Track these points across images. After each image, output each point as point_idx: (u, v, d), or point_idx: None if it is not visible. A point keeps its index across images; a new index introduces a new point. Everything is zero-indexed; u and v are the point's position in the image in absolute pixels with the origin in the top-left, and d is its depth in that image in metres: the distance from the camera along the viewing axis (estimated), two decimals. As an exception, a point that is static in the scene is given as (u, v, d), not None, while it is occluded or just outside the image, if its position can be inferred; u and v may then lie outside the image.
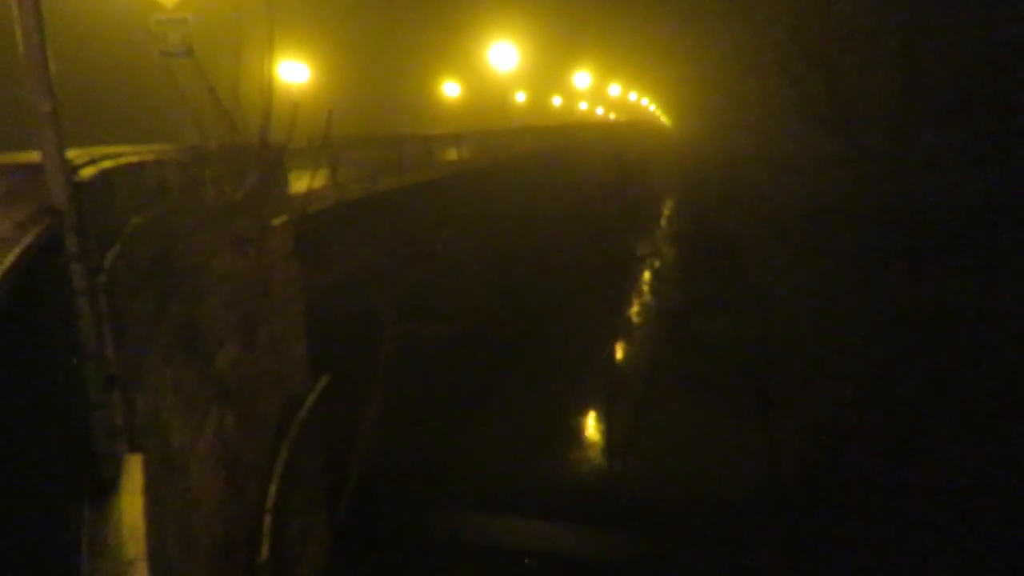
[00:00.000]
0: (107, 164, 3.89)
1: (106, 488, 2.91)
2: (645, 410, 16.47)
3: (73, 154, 3.78)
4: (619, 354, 20.78)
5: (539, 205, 24.18)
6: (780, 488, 13.21)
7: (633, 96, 79.65)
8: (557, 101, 59.88)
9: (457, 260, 16.55)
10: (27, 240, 2.03)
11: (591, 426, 18.88)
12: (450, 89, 43.31)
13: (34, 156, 3.48)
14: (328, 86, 30.08)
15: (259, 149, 8.04)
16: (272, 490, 8.77)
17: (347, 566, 10.23)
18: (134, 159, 5.64)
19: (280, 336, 9.88)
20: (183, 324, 6.80)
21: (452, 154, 23.30)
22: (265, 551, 7.75)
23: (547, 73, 54.09)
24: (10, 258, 1.77)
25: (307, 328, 10.38)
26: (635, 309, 23.76)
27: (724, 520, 13.00)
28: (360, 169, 14.62)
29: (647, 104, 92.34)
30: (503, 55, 32.06)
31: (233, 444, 7.79)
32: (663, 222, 27.30)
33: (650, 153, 31.00)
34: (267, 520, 8.32)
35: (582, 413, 19.42)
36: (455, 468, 14.80)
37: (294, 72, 26.74)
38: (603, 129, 52.72)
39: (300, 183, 11.21)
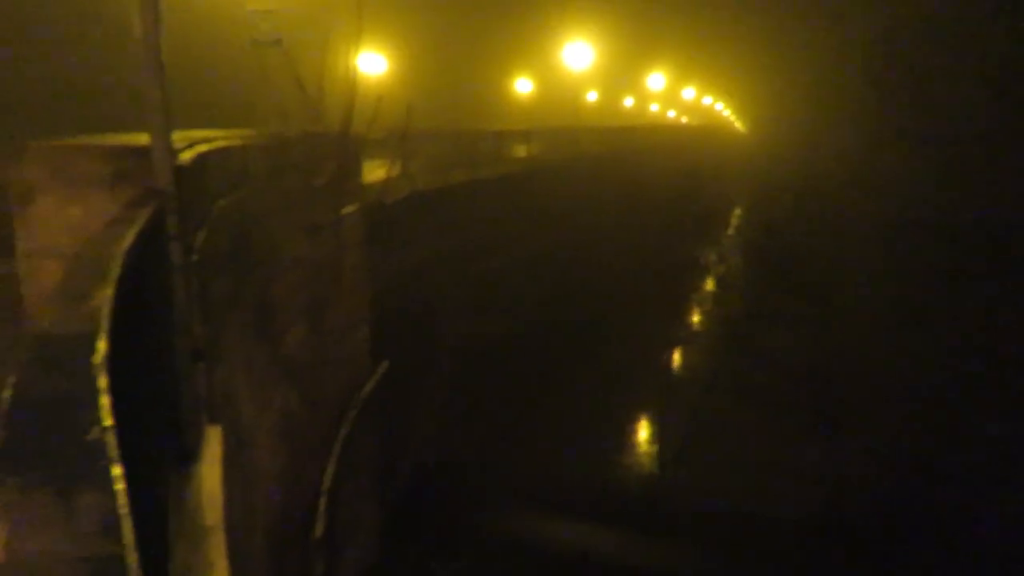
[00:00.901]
0: (202, 148, 4.09)
1: (188, 456, 3.05)
2: (700, 421, 16.21)
3: (173, 138, 3.99)
4: (677, 362, 20.50)
5: (606, 206, 24.03)
6: (839, 514, 12.79)
7: (708, 100, 78.08)
8: (629, 102, 59.25)
9: (523, 257, 16.62)
10: (141, 221, 2.17)
11: (644, 433, 18.67)
12: (522, 86, 43.42)
13: (138, 139, 3.70)
14: (404, 78, 30.61)
15: (339, 138, 8.28)
16: (329, 470, 9.03)
17: (395, 551, 10.44)
18: (223, 144, 5.91)
19: (346, 321, 10.16)
20: (256, 304, 7.07)
21: (521, 151, 23.41)
22: (320, 529, 7.99)
23: (620, 73, 53.59)
24: (129, 237, 1.90)
25: (371, 315, 10.64)
26: (697, 317, 23.37)
27: (775, 543, 12.66)
28: (432, 161, 14.87)
29: (721, 109, 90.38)
30: (577, 54, 31.94)
31: (296, 423, 8.06)
32: (732, 230, 26.73)
33: (724, 159, 30.40)
34: (323, 500, 8.58)
35: (635, 419, 19.23)
36: (505, 464, 14.88)
37: (372, 63, 27.33)
38: (675, 133, 51.87)
39: (373, 173, 11.49)
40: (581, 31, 34.03)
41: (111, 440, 0.69)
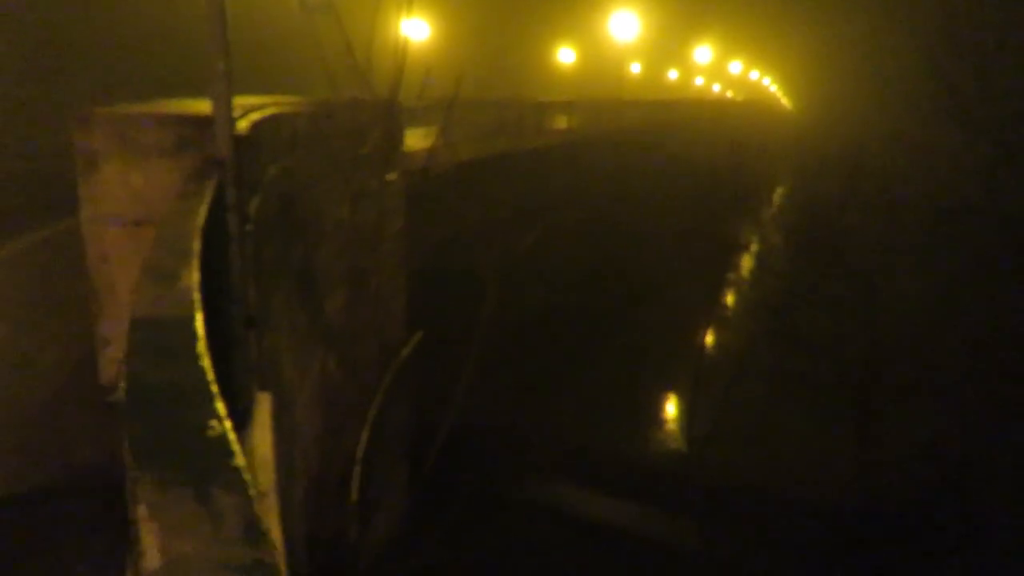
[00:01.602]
0: (256, 116, 4.11)
1: (241, 423, 3.13)
2: (732, 401, 16.08)
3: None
4: (711, 341, 20.32)
5: (646, 181, 23.71)
6: (872, 502, 12.64)
7: (755, 75, 76.06)
8: (673, 75, 58.01)
9: (563, 230, 16.54)
10: (208, 194, 2.20)
11: (674, 411, 18.63)
12: (565, 55, 42.74)
13: (197, 106, 3.73)
14: (446, 45, 30.35)
15: (386, 106, 8.28)
16: (364, 437, 9.20)
17: (425, 518, 10.65)
18: (274, 111, 5.94)
19: (384, 288, 10.25)
20: (300, 271, 7.17)
21: (562, 122, 23.14)
22: (355, 493, 8.17)
23: (665, 45, 52.38)
24: (202, 212, 1.93)
25: (408, 283, 10.72)
26: (734, 297, 23.06)
27: (802, 528, 12.59)
28: (473, 131, 14.79)
29: (768, 84, 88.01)
30: (623, 24, 31.26)
31: (333, 387, 8.21)
32: (775, 209, 26.18)
33: (769, 136, 29.68)
34: (358, 465, 8.75)
35: (667, 396, 19.19)
36: (536, 436, 15.00)
37: (415, 29, 27.12)
38: (720, 108, 50.69)
39: (413, 140, 11.47)
40: (626, 0, 33.28)
41: (231, 436, 0.70)
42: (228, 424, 0.73)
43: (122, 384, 0.81)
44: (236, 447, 0.70)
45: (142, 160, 3.15)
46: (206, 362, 0.89)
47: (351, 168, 8.63)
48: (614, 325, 21.31)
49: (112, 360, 3.32)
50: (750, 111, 57.59)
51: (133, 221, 3.22)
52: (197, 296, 1.16)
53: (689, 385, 17.95)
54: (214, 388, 0.82)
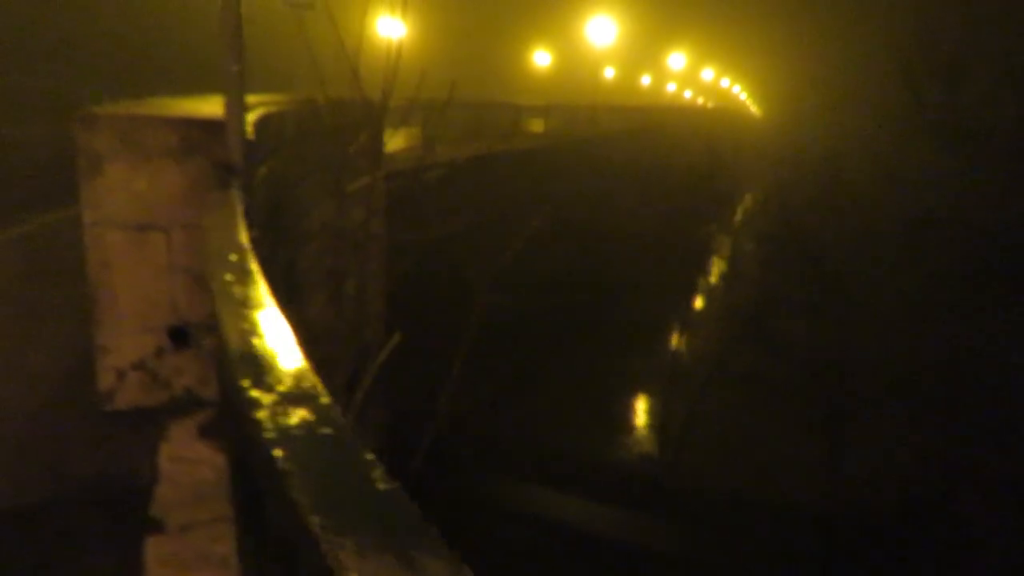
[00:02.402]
0: (251, 117, 4.02)
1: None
2: (704, 405, 16.26)
3: (218, 103, 3.93)
4: (684, 345, 20.54)
5: (622, 186, 23.89)
6: (842, 507, 12.88)
7: (725, 82, 77.19)
8: (646, 80, 58.54)
9: (540, 234, 16.55)
10: (237, 203, 2.14)
11: (647, 413, 18.77)
12: (540, 59, 42.84)
13: (201, 107, 3.64)
14: (421, 44, 30.17)
15: (373, 106, 8.21)
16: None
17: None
18: (263, 110, 5.83)
19: (363, 289, 10.16)
20: (285, 271, 7.06)
21: (539, 125, 23.20)
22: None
23: (639, 51, 52.85)
24: (242, 227, 1.87)
25: (390, 286, 10.63)
26: (707, 302, 23.34)
27: (773, 532, 12.77)
28: (450, 131, 14.72)
29: (738, 92, 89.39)
30: (601, 29, 31.45)
31: (314, 390, 8.08)
32: (747, 215, 26.56)
33: (740, 144, 30.12)
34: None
35: (639, 399, 19.34)
36: (512, 440, 15.00)
37: (390, 27, 26.87)
38: (694, 114, 51.31)
39: (392, 141, 11.38)
40: (603, 5, 33.48)
41: (397, 486, 0.66)
42: (386, 473, 0.70)
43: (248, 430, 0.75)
44: (406, 499, 0.66)
45: (147, 163, 3.05)
46: (328, 400, 0.85)
47: (337, 169, 8.53)
48: (589, 329, 21.41)
49: (111, 369, 3.20)
50: (722, 118, 58.43)
51: (136, 225, 3.12)
52: (286, 324, 1.12)
53: (662, 389, 18.13)
54: (354, 433, 0.77)
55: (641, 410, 19.03)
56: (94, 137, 2.96)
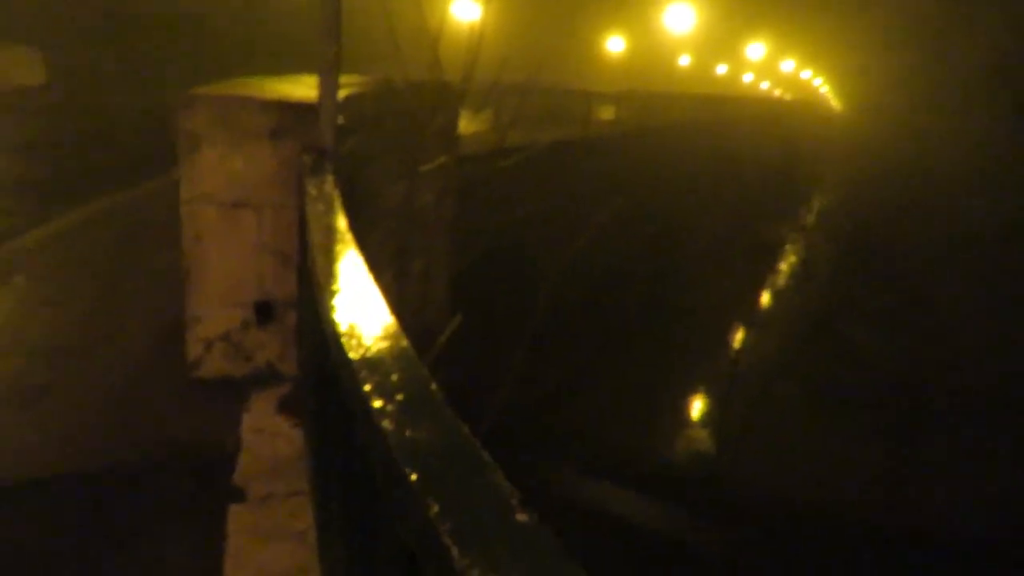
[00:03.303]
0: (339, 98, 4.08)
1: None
2: (766, 408, 15.85)
3: (309, 84, 4.00)
4: (748, 345, 20.03)
5: (693, 178, 23.38)
6: (903, 521, 12.39)
7: (806, 74, 74.35)
8: (722, 69, 56.95)
9: (609, 223, 16.40)
10: (334, 188, 2.18)
11: (706, 411, 18.43)
12: (615, 44, 42.18)
13: (292, 90, 3.71)
14: (495, 28, 30.08)
15: (450, 88, 8.25)
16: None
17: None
18: (346, 92, 5.93)
19: (429, 270, 10.28)
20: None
21: (609, 112, 22.89)
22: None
23: (717, 39, 51.36)
24: (341, 215, 1.90)
25: (457, 270, 10.72)
26: (775, 303, 22.68)
27: (829, 542, 12.39)
28: (525, 117, 14.68)
29: (819, 85, 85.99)
30: (679, 16, 30.71)
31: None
32: (824, 215, 25.61)
33: (820, 139, 29.00)
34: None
35: (699, 396, 19.00)
36: (569, 428, 14.99)
37: (466, 10, 26.90)
38: (771, 106, 49.63)
39: (467, 124, 11.44)
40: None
41: (536, 518, 0.65)
42: (524, 502, 0.69)
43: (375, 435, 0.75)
44: (544, 534, 0.65)
45: (242, 143, 3.15)
46: (452, 412, 0.85)
47: (411, 150, 8.64)
48: (652, 323, 21.11)
49: (200, 339, 3.34)
50: (801, 111, 56.33)
51: (230, 203, 3.23)
52: (398, 324, 1.12)
53: (721, 387, 17.74)
54: (479, 451, 0.77)
55: (700, 408, 18.67)
56: (193, 117, 3.06)
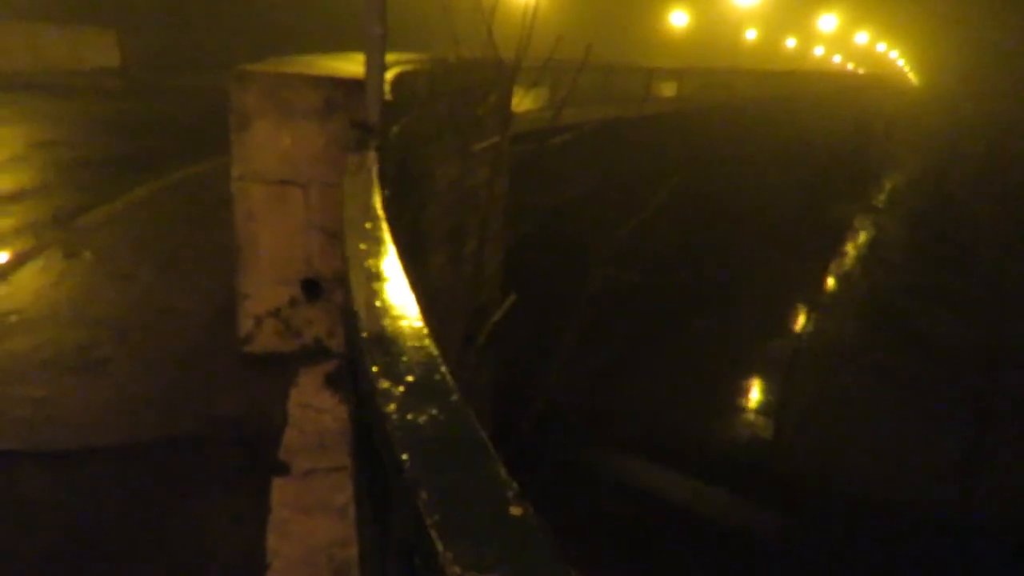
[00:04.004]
0: (388, 77, 4.06)
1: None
2: (830, 395, 15.36)
3: (360, 61, 4.00)
4: (811, 329, 19.42)
5: (756, 157, 22.65)
6: (976, 520, 11.85)
7: (881, 47, 70.85)
8: (791, 43, 54.79)
9: (667, 203, 16.10)
10: (374, 166, 2.16)
11: (763, 397, 18.01)
12: (678, 19, 41.07)
13: (342, 67, 3.72)
14: (557, 4, 29.69)
15: (504, 67, 8.16)
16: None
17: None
18: (399, 70, 5.93)
19: (482, 248, 10.28)
20: (410, 229, 7.23)
21: (671, 89, 22.33)
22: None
23: (785, 11, 49.37)
24: (377, 194, 1.89)
25: (506, 247, 10.69)
26: (841, 287, 21.89)
27: (893, 535, 11.95)
28: (578, 94, 14.44)
29: (895, 58, 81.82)
30: (746, -13, 29.59)
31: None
32: (896, 195, 24.48)
33: (895, 116, 27.68)
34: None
35: (757, 381, 18.56)
36: (622, 410, 14.88)
37: (527, -14, 26.53)
38: (843, 82, 47.52)
39: (522, 103, 11.32)
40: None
41: (531, 510, 0.61)
42: (521, 492, 0.64)
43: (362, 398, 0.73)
44: (542, 527, 0.61)
45: (291, 120, 3.17)
46: (459, 397, 0.81)
47: (465, 128, 8.60)
48: (709, 306, 20.70)
49: (250, 315, 3.41)
50: (875, 85, 53.75)
51: (279, 180, 3.26)
52: (417, 309, 1.09)
53: (781, 372, 17.29)
54: (484, 439, 0.73)
55: (759, 392, 18.25)
56: (245, 93, 3.10)
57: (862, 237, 19.69)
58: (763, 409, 17.61)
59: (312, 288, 3.36)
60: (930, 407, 12.57)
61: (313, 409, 2.90)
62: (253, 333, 3.36)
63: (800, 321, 18.62)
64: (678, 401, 16.07)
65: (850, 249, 21.22)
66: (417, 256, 7.94)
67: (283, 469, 2.59)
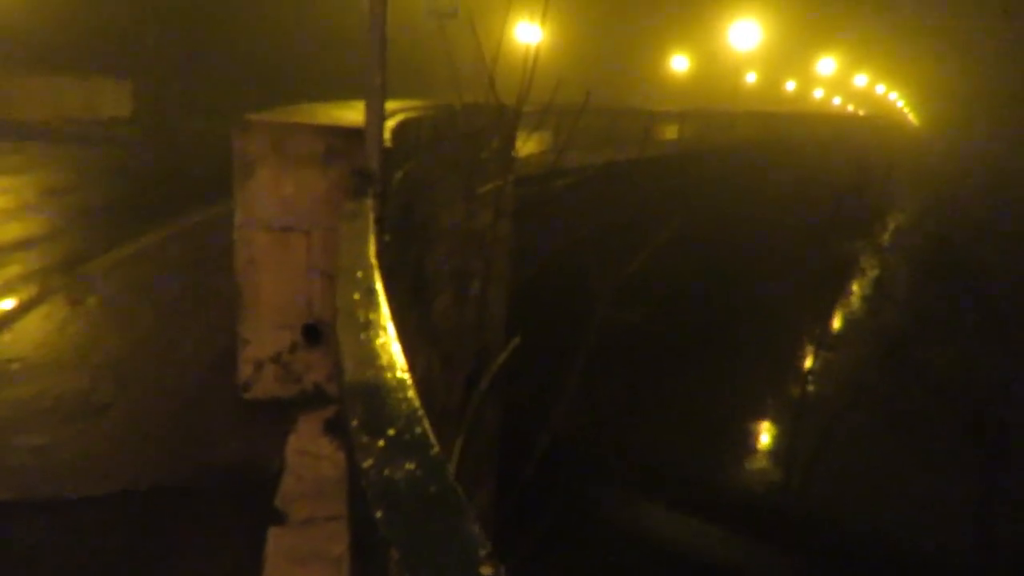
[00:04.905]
0: (390, 124, 4.15)
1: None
2: (839, 436, 15.15)
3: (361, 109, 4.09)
4: (818, 369, 19.27)
5: (759, 197, 22.83)
6: (988, 561, 11.57)
7: (880, 89, 71.87)
8: (790, 86, 55.65)
9: (669, 245, 16.17)
10: (371, 213, 2.20)
11: (772, 439, 17.79)
12: (678, 63, 41.84)
13: (344, 115, 3.80)
14: (558, 48, 30.31)
15: (506, 111, 8.31)
16: (459, 441, 9.24)
17: (510, 528, 10.59)
18: (403, 116, 6.04)
19: (487, 290, 10.31)
20: (413, 272, 7.27)
21: (673, 132, 22.63)
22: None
23: (784, 55, 50.29)
24: (372, 240, 1.92)
25: (510, 288, 10.72)
26: (846, 324, 21.80)
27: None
28: (581, 137, 14.65)
29: (895, 99, 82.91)
30: (744, 34, 30.23)
31: (435, 388, 8.29)
32: (899, 234, 24.57)
33: (895, 155, 27.94)
34: (452, 467, 8.76)
35: (764, 422, 18.36)
36: (628, 453, 14.69)
37: (529, 33, 27.16)
38: (843, 123, 48.10)
39: (524, 146, 11.49)
40: (747, 8, 32.14)
41: (499, 572, 0.61)
42: (489, 551, 0.64)
43: (360, 462, 0.73)
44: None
45: (294, 168, 3.23)
46: (438, 451, 0.81)
47: (468, 172, 8.72)
48: (715, 346, 20.60)
49: (250, 360, 3.42)
50: (874, 126, 54.39)
51: (281, 227, 3.31)
52: (403, 365, 1.10)
53: (789, 413, 17.10)
54: (460, 496, 0.73)
55: (767, 434, 18.03)
56: (249, 142, 3.17)
57: (867, 275, 19.69)
58: (771, 450, 17.39)
59: (313, 333, 3.37)
60: (941, 446, 12.39)
61: (311, 456, 2.88)
62: (253, 379, 3.37)
63: (808, 360, 18.50)
64: (685, 442, 15.87)
65: (856, 287, 21.19)
66: (421, 298, 7.98)
67: (280, 518, 2.57)
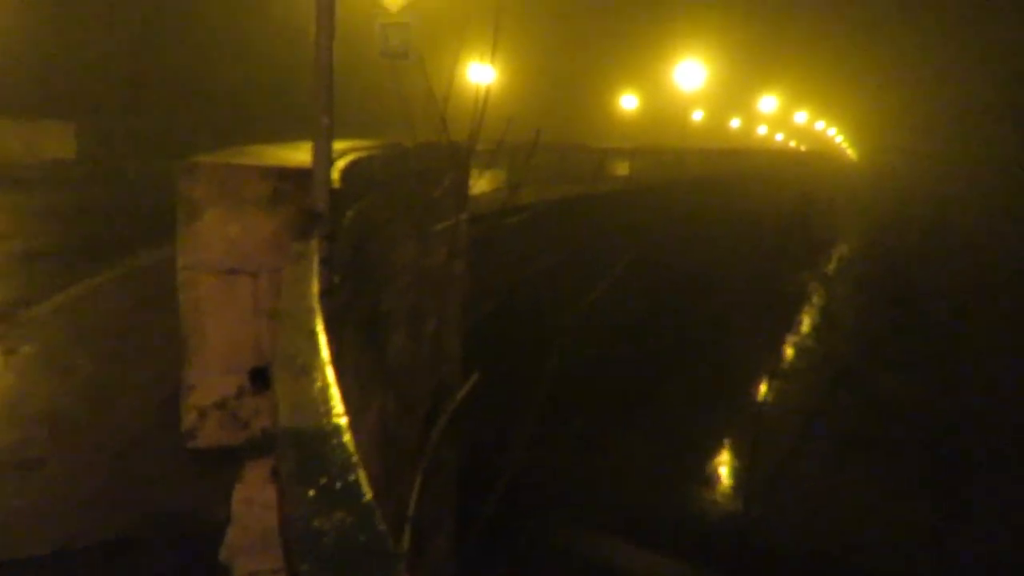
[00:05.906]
0: (341, 164, 4.14)
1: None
2: (793, 463, 15.37)
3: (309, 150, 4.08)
4: (772, 398, 19.60)
5: (709, 231, 23.39)
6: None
7: (820, 125, 74.95)
8: (735, 123, 57.63)
9: (623, 278, 16.39)
10: (316, 255, 2.17)
11: (728, 467, 17.94)
12: (627, 102, 42.98)
13: (292, 156, 3.78)
14: (509, 88, 30.87)
15: (459, 149, 8.38)
16: (418, 479, 9.07)
17: (470, 561, 10.39)
18: (354, 156, 6.04)
19: (442, 328, 10.24)
20: (368, 312, 7.19)
21: (624, 168, 23.13)
22: (407, 541, 8.02)
23: (729, 94, 52.20)
24: (315, 282, 1.89)
25: (465, 326, 10.68)
26: (798, 354, 22.30)
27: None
28: (535, 174, 14.87)
29: (834, 135, 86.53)
30: (689, 74, 31.29)
31: (391, 428, 8.15)
32: (844, 263, 25.40)
33: (836, 188, 29.04)
34: (412, 507, 8.60)
35: (720, 452, 18.53)
36: (588, 486, 14.61)
37: (481, 73, 27.60)
38: (787, 158, 49.93)
39: (478, 184, 11.58)
40: (692, 49, 33.34)
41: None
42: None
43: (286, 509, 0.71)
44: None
45: (240, 210, 3.19)
46: (370, 499, 0.79)
47: (422, 211, 8.72)
48: (671, 377, 20.80)
49: (194, 407, 3.31)
50: (817, 162, 56.56)
51: (227, 270, 3.24)
52: (341, 410, 1.08)
53: (748, 444, 17.28)
54: (389, 546, 0.71)
55: (725, 464, 18.17)
56: (194, 184, 3.11)
57: (815, 303, 20.24)
58: (730, 479, 17.51)
59: (260, 377, 3.29)
60: (892, 469, 12.68)
61: (258, 505, 2.78)
62: (197, 426, 3.25)
63: (761, 389, 18.80)
64: (643, 475, 15.87)
65: (806, 317, 21.75)
66: (376, 337, 7.88)
67: (223, 572, 2.47)
